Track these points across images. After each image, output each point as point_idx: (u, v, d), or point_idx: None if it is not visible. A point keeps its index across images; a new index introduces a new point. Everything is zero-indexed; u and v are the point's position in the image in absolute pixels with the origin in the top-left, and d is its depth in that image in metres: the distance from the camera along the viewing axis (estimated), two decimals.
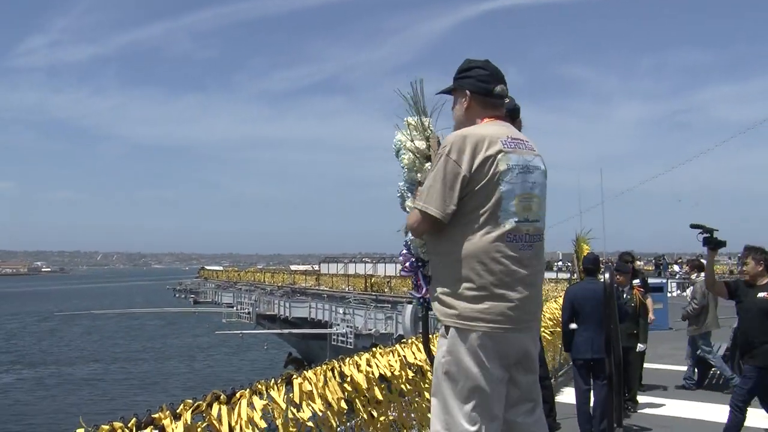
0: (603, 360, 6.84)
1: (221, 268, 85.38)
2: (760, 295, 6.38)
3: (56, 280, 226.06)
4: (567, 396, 8.91)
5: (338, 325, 32.26)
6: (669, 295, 24.77)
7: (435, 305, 3.31)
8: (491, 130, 3.25)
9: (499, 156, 3.15)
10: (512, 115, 3.69)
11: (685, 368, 10.67)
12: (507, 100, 3.49)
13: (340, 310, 32.96)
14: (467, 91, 3.39)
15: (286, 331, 37.57)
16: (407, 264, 3.65)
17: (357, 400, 4.75)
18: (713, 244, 5.65)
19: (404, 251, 3.67)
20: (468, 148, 3.14)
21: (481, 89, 3.36)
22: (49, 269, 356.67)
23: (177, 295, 60.31)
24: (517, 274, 3.15)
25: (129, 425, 2.93)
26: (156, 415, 3.12)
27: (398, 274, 41.77)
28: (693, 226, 5.54)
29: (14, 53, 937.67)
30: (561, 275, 33.97)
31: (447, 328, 3.23)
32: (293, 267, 78.47)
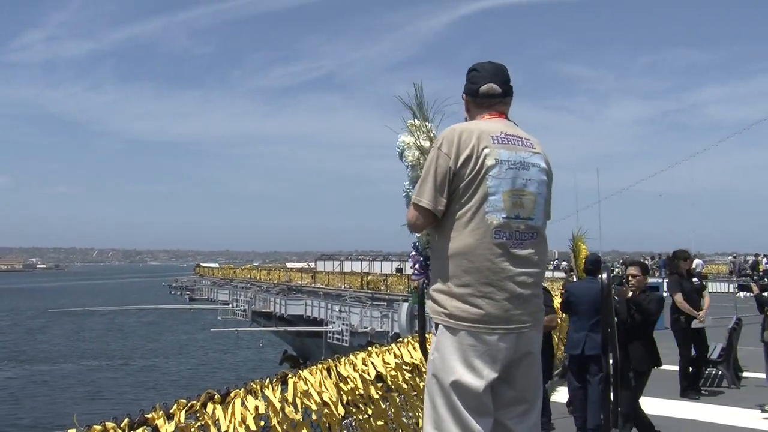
0: (596, 356, 6.87)
1: (217, 265, 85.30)
2: None
3: (51, 276, 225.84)
4: (562, 395, 8.90)
5: (334, 323, 32.23)
6: (664, 294, 24.76)
7: (428, 302, 3.32)
8: (485, 125, 3.25)
9: (486, 150, 3.12)
10: None
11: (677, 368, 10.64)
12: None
13: (336, 308, 32.94)
14: (463, 95, 3.46)
15: (281, 328, 37.58)
16: (416, 265, 3.63)
17: (353, 400, 4.73)
18: None
19: (413, 252, 3.66)
20: (455, 141, 3.14)
21: (470, 90, 3.41)
22: (44, 266, 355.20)
23: (173, 292, 60.24)
24: (507, 273, 3.11)
25: (122, 425, 2.90)
26: (149, 415, 3.09)
27: (393, 272, 41.88)
28: None
29: (10, 48, 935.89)
30: (557, 274, 33.90)
31: (437, 325, 3.22)
32: (289, 264, 78.18)
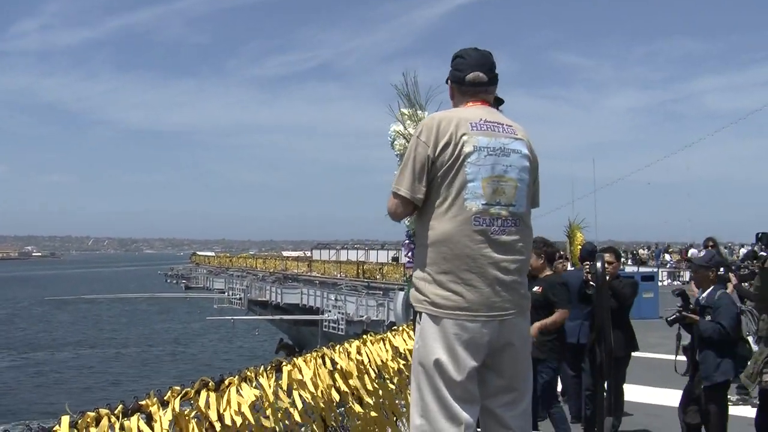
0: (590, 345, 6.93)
1: (213, 253, 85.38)
2: (535, 289, 6.10)
3: (47, 265, 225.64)
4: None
5: (330, 311, 32.30)
6: (660, 284, 24.85)
7: (411, 291, 3.30)
8: (465, 113, 3.24)
9: (464, 137, 3.11)
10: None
11: (673, 356, 10.65)
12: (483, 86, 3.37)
13: (332, 297, 33.02)
14: (448, 81, 3.44)
15: (277, 317, 37.67)
16: (410, 254, 3.64)
17: (347, 388, 4.73)
18: None
19: (407, 241, 3.67)
20: (434, 130, 3.14)
21: (456, 77, 3.38)
22: (39, 254, 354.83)
23: (168, 281, 60.34)
24: (487, 259, 3.10)
25: (115, 412, 2.89)
26: (143, 402, 3.09)
27: (389, 261, 41.95)
28: None
29: (4, 37, 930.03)
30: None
31: (420, 314, 3.21)
32: (285, 253, 78.38)
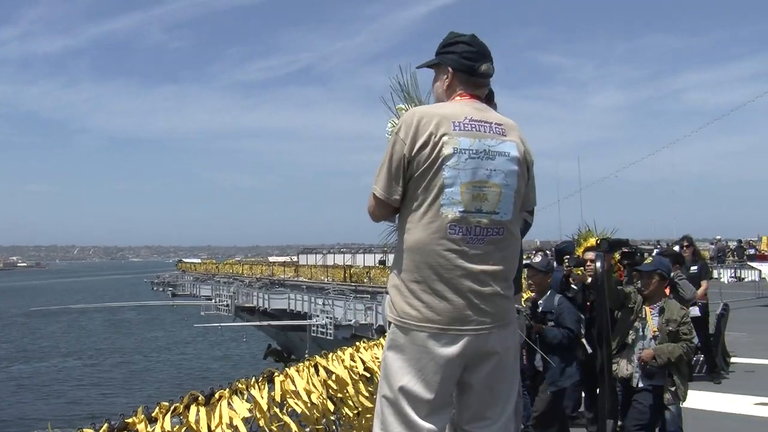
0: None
1: (199, 260, 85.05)
2: None
3: (32, 275, 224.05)
4: None
5: (318, 316, 32.13)
6: None
7: (386, 298, 3.11)
8: (449, 109, 2.99)
9: (444, 138, 2.87)
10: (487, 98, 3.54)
11: None
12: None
13: (320, 301, 32.84)
14: (449, 68, 3.12)
15: (265, 323, 37.43)
16: None
17: (341, 397, 4.63)
18: None
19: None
20: (413, 127, 2.90)
21: (465, 67, 3.08)
22: (25, 264, 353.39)
23: (155, 288, 59.91)
24: (462, 270, 2.88)
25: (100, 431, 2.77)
26: (130, 420, 2.96)
27: (376, 264, 41.91)
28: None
29: None
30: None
31: (389, 323, 3.03)
32: (271, 258, 78.22)
